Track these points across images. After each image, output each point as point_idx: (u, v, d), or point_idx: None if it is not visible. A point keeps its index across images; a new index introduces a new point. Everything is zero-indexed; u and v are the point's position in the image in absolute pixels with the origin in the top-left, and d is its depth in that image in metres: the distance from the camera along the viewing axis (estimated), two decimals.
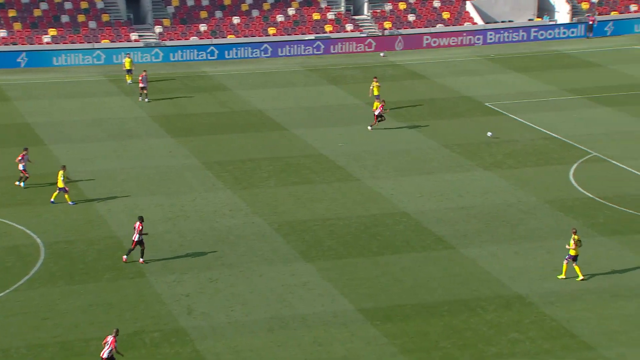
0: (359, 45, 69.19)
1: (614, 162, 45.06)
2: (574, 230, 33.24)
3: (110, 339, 27.32)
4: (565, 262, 33.11)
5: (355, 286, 33.31)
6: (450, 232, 37.60)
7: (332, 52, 68.60)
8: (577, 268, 32.95)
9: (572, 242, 32.84)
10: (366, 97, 55.82)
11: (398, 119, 52.84)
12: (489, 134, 43.70)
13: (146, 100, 55.80)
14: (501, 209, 39.86)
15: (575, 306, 31.38)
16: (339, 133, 50.52)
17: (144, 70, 56.95)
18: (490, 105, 54.80)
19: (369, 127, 49.92)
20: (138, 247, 34.85)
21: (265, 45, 67.57)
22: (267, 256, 35.73)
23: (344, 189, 42.72)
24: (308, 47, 68.34)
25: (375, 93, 53.66)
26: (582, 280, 32.82)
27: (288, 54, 67.95)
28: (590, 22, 71.15)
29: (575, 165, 44.80)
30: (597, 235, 36.80)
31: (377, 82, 54.06)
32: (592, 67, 63.00)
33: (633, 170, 43.74)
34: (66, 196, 40.42)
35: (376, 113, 49.68)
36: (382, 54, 68.17)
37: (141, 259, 34.93)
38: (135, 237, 34.66)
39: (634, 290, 32.18)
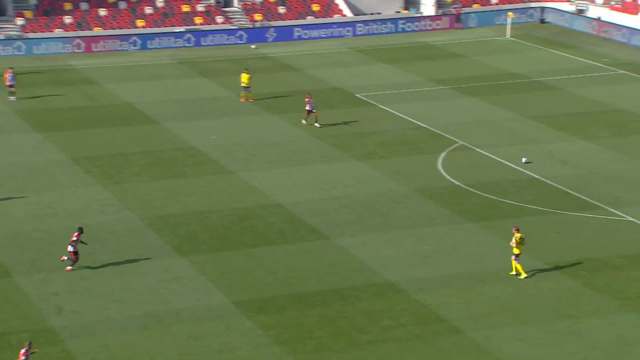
0: (230, 37, 68.94)
1: (479, 150, 46.48)
2: (516, 229, 32.74)
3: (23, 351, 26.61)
4: (513, 261, 32.69)
5: (229, 279, 33.28)
6: (324, 223, 38.00)
7: (203, 44, 68.11)
8: (518, 266, 32.59)
9: (514, 240, 32.50)
10: (238, 89, 55.69)
11: (271, 110, 52.95)
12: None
13: (13, 98, 53.75)
14: (373, 198, 40.56)
15: (443, 292, 32.25)
16: (211, 126, 50.27)
17: (10, 68, 54.92)
18: (360, 96, 55.60)
19: (317, 124, 48.84)
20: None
21: (134, 37, 66.49)
22: (140, 252, 35.26)
23: (217, 182, 42.56)
24: (178, 39, 67.63)
25: (244, 84, 53.66)
26: (525, 277, 32.49)
27: (158, 46, 67.06)
28: (457, 13, 73.07)
29: (443, 154, 45.98)
30: (464, 222, 37.91)
31: (247, 72, 54.02)
32: (457, 58, 64.73)
33: (496, 158, 45.23)
34: None
35: (307, 108, 48.79)
36: (253, 46, 68.14)
37: (69, 267, 33.76)
38: (70, 247, 33.44)
39: (498, 274, 33.32)
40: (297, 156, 45.86)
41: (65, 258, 33.71)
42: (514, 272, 33.03)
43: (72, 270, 33.44)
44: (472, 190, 41.32)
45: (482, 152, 46.24)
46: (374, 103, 54.43)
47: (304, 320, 30.59)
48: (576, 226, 37.24)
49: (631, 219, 37.99)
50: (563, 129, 49.34)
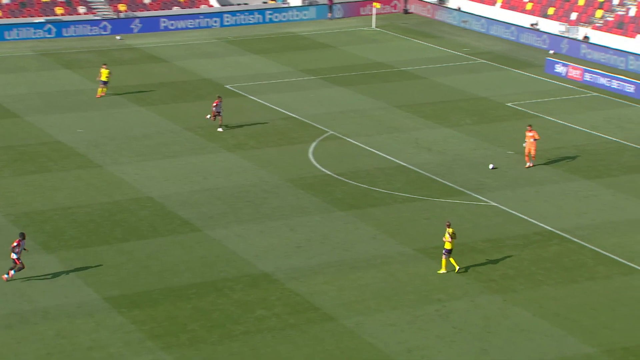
0: (93, 28, 67.45)
1: (348, 139, 47.13)
2: (448, 224, 32.58)
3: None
4: (443, 257, 32.58)
5: (100, 275, 32.68)
6: (196, 215, 37.77)
7: (65, 35, 66.41)
8: (452, 260, 32.66)
9: (447, 235, 32.35)
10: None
11: (139, 102, 52.15)
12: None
13: None
14: (245, 189, 40.57)
15: (317, 280, 32.62)
16: (77, 119, 49.11)
17: None
18: (230, 87, 55.43)
19: (219, 129, 46.96)
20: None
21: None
22: (4, 250, 34.15)
23: (85, 176, 41.64)
24: (38, 30, 65.73)
25: (103, 79, 52.34)
26: (459, 271, 32.55)
27: (16, 37, 64.99)
28: (329, 3, 73.69)
29: (313, 144, 46.40)
30: (336, 210, 38.42)
31: (106, 68, 52.74)
32: (325, 49, 65.35)
33: (365, 147, 45.99)
34: None
35: (213, 109, 46.69)
36: (118, 37, 66.89)
37: (5, 276, 32.07)
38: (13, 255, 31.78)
39: (369, 261, 33.95)
40: (167, 148, 45.37)
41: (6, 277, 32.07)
42: (443, 270, 32.63)
43: (8, 278, 31.94)
44: (342, 179, 41.90)
45: (352, 141, 46.92)
46: (244, 94, 54.37)
47: (178, 313, 30.37)
48: (443, 212, 38.30)
49: (494, 203, 39.37)
50: (428, 117, 50.58)
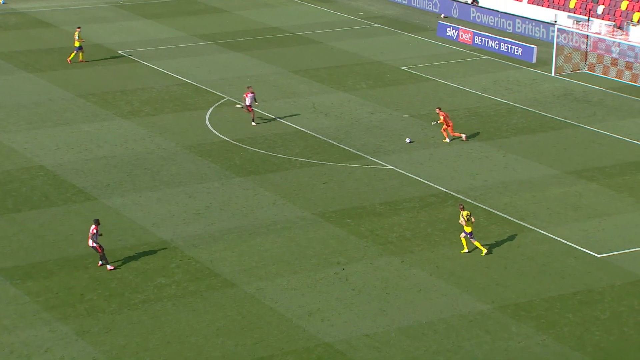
0: None
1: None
2: (461, 207, 31.82)
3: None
4: (462, 236, 31.86)
5: None
6: (92, 183, 37.03)
7: None
8: (477, 243, 31.84)
9: (461, 218, 31.58)
10: None
11: (27, 69, 50.60)
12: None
13: None
14: (142, 156, 39.95)
15: (217, 246, 32.50)
16: None
17: None
18: (123, 53, 54.31)
19: (253, 123, 43.54)
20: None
21: None
22: None
23: None
24: None
25: (77, 44, 50.50)
26: (486, 254, 31.81)
27: None
28: None
29: (210, 110, 45.98)
30: (235, 177, 38.26)
31: (79, 30, 51.13)
32: (219, 13, 64.63)
33: (263, 112, 45.81)
34: None
35: (247, 103, 43.25)
36: (2, 1, 64.60)
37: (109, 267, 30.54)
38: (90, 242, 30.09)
39: (269, 227, 33.99)
40: (58, 116, 44.24)
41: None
42: (466, 250, 32.02)
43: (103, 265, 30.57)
44: (241, 145, 41.70)
45: None
46: (137, 59, 53.36)
47: (74, 283, 29.83)
48: (342, 176, 38.60)
49: (390, 166, 39.88)
50: (324, 82, 50.73)
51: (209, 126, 43.91)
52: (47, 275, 30.28)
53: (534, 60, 54.83)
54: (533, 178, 38.67)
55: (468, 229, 31.90)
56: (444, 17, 64.82)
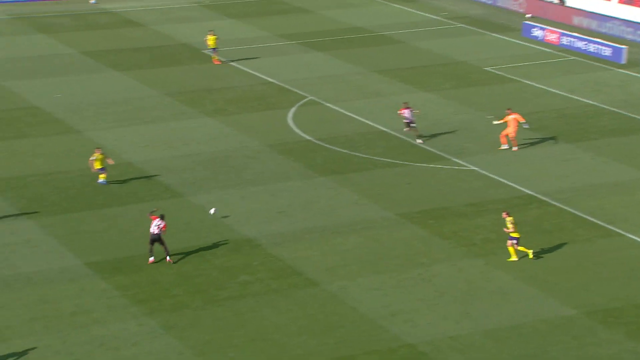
0: None
1: (328, 104, 47.07)
2: (506, 213, 31.33)
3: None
4: (509, 245, 31.14)
5: (82, 240, 32.60)
6: (178, 181, 37.68)
7: None
8: (522, 248, 31.29)
9: (509, 225, 30.99)
10: (80, 45, 54.11)
11: (116, 68, 51.73)
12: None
13: None
14: (226, 154, 40.48)
15: (299, 245, 32.72)
16: (54, 84, 48.68)
17: None
18: (208, 52, 55.04)
19: (418, 140, 41.20)
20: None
21: None
22: None
23: (65, 141, 41.38)
24: None
25: (211, 46, 51.45)
26: (532, 258, 31.30)
27: None
28: None
29: (293, 109, 46.31)
30: (316, 176, 38.45)
31: (213, 34, 51.80)
32: (303, 13, 64.98)
33: (345, 112, 45.96)
34: None
35: (405, 120, 41.07)
36: (92, 1, 66.15)
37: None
38: (156, 230, 30.79)
39: (351, 226, 34.07)
40: (146, 114, 45.12)
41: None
42: (514, 258, 31.24)
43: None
44: (323, 144, 41.89)
45: (331, 106, 46.87)
46: (221, 59, 54.00)
47: (161, 279, 30.39)
48: (424, 177, 38.45)
49: (474, 167, 39.56)
50: (407, 82, 50.59)
51: (292, 125, 44.23)
52: (135, 270, 30.93)
53: (624, 61, 53.71)
54: (622, 181, 37.92)
55: (516, 235, 31.14)
56: (530, 17, 63.97)
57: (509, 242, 31.43)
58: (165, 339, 27.08)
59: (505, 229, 31.46)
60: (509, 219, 31.35)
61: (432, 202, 36.17)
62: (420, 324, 27.99)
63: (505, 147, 41.10)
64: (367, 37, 59.12)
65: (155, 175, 38.07)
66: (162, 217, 31.20)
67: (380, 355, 26.45)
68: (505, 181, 38.11)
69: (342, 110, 46.11)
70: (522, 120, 41.08)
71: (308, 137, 42.68)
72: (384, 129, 43.75)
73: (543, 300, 29.25)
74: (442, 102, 47.67)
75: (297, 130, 43.55)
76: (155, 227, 31.00)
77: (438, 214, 35.08)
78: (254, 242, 32.86)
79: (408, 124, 41.53)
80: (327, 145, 41.69)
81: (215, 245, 32.60)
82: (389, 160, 39.99)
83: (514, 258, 31.55)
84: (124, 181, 37.45)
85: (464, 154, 40.96)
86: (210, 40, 51.91)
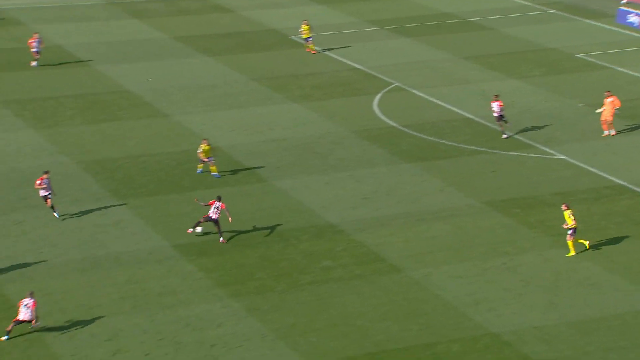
0: None
1: (414, 91, 46.75)
2: (566, 206, 30.63)
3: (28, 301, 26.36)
4: (569, 239, 30.41)
5: (169, 222, 33.16)
6: (263, 165, 37.97)
7: None
8: (580, 240, 30.73)
9: (568, 217, 30.31)
10: (172, 31, 54.95)
11: (206, 53, 52.35)
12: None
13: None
14: (311, 140, 40.60)
15: (383, 231, 32.64)
16: (145, 68, 49.53)
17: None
18: (295, 38, 55.22)
19: (504, 134, 39.92)
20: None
21: None
22: (76, 196, 34.86)
23: (154, 125, 42.10)
24: None
25: (305, 35, 51.13)
26: (588, 249, 30.70)
27: None
28: None
29: (379, 96, 46.14)
30: (401, 162, 38.27)
31: (307, 23, 51.43)
32: None
33: (431, 99, 45.58)
34: None
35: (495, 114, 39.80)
36: None
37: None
38: (214, 215, 31.58)
39: (436, 214, 33.82)
40: (233, 99, 45.56)
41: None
42: (573, 253, 30.46)
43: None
44: (408, 131, 41.65)
45: (417, 92, 46.53)
46: (318, 48, 54.08)
47: (245, 262, 30.71)
48: (511, 165, 37.89)
49: (562, 156, 38.80)
50: (495, 69, 49.86)
51: (377, 112, 44.09)
52: (220, 252, 31.32)
53: None
54: None
55: (574, 225, 30.12)
56: (626, 2, 62.24)
57: (568, 236, 30.26)
58: (249, 321, 27.37)
59: (564, 225, 30.37)
60: (568, 212, 30.28)
61: (518, 190, 35.62)
62: (505, 313, 27.64)
63: (607, 133, 40.32)
64: (456, 23, 58.46)
65: (241, 160, 38.44)
66: (219, 199, 31.68)
67: (462, 344, 26.23)
68: (595, 170, 37.28)
69: (428, 97, 45.74)
70: (618, 106, 40.24)
71: (393, 124, 42.48)
72: (471, 116, 43.25)
73: (634, 292, 28.55)
74: (532, 89, 46.85)
75: (382, 117, 43.39)
76: (214, 210, 31.43)
77: (524, 202, 34.54)
78: (338, 227, 32.91)
79: (500, 118, 40.08)
80: (413, 132, 41.43)
81: (299, 230, 32.76)
82: (475, 147, 39.52)
83: (572, 253, 30.51)
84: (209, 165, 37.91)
85: (553, 142, 40.20)
86: (305, 28, 51.62)
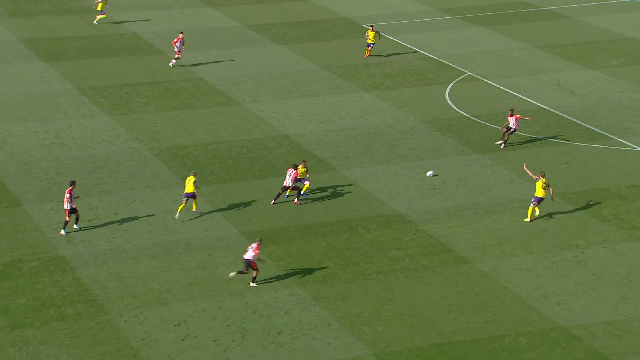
0: None
1: (487, 80, 46.23)
2: (542, 174, 31.91)
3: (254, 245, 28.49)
4: (532, 206, 31.75)
5: (238, 210, 33.47)
6: (332, 154, 38.03)
7: None
8: (533, 209, 31.93)
9: (540, 187, 31.52)
10: (245, 19, 55.33)
11: (277, 41, 52.57)
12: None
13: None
14: (380, 129, 40.50)
15: (451, 222, 32.41)
16: (218, 56, 49.97)
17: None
18: (367, 27, 55.05)
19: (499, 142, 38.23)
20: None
21: None
22: (148, 182, 35.43)
23: (225, 113, 42.50)
24: None
25: (370, 40, 48.77)
26: (529, 220, 31.88)
27: None
28: None
29: (450, 85, 45.75)
30: (472, 153, 37.91)
31: (373, 30, 49.29)
32: None
33: (504, 89, 45.01)
34: None
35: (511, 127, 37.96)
36: None
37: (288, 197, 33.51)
38: (289, 183, 33.11)
39: (506, 205, 33.44)
40: (304, 87, 45.69)
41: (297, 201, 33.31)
42: (528, 219, 31.86)
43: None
44: (479, 121, 41.22)
45: (490, 82, 46.00)
46: (382, 33, 53.89)
47: (313, 250, 30.84)
48: (584, 156, 37.23)
49: (639, 148, 37.95)
50: (571, 59, 48.98)
51: (449, 101, 43.72)
52: (288, 240, 31.51)
53: None
54: None
55: (542, 196, 31.22)
56: None
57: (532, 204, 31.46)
58: (316, 310, 27.49)
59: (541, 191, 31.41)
60: (541, 181, 31.45)
61: (591, 182, 34.98)
62: (574, 307, 27.22)
63: None
64: (531, 12, 57.56)
65: (311, 148, 38.56)
66: (294, 167, 32.91)
67: (530, 337, 25.93)
68: None
69: (501, 87, 45.18)
70: None
71: (465, 114, 42.09)
72: (544, 107, 42.59)
73: None
74: (608, 79, 45.90)
75: (453, 107, 43.03)
76: (288, 177, 32.75)
77: (597, 195, 33.92)
78: (406, 217, 32.80)
79: (511, 131, 37.89)
80: (484, 122, 40.98)
81: (367, 220, 32.75)
82: (548, 138, 38.91)
83: (528, 219, 31.69)
84: (281, 153, 38.12)
85: (629, 133, 39.35)
86: (370, 34, 50.13)
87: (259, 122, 41.39)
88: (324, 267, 29.84)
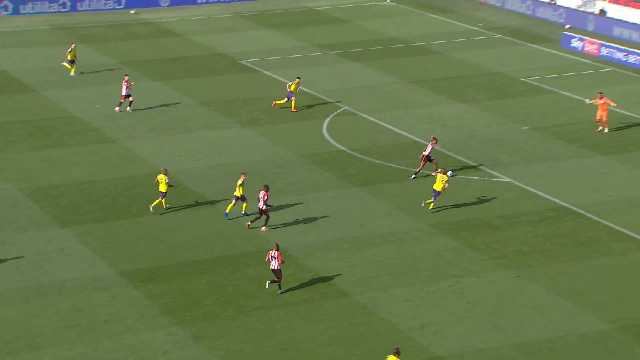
0: (107, 2, 67.47)
1: (363, 115, 47.06)
2: (442, 170, 36.13)
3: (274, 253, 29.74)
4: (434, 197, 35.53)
5: (115, 249, 32.90)
6: (211, 190, 37.89)
7: (80, 9, 66.48)
8: (431, 201, 35.77)
9: (439, 181, 35.32)
10: (119, 56, 54.75)
11: (154, 77, 52.20)
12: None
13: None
14: (259, 164, 40.62)
15: (331, 255, 32.72)
16: (92, 94, 49.22)
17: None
18: (245, 62, 55.35)
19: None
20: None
21: (5, 1, 64.37)
22: (20, 223, 34.46)
23: (101, 151, 41.81)
24: (53, 3, 65.83)
25: (293, 90, 46.72)
26: (427, 205, 35.72)
27: (31, 11, 65.10)
28: None
29: (327, 120, 46.36)
30: (349, 186, 38.44)
31: (299, 82, 47.40)
32: (339, 23, 65.07)
33: (380, 122, 45.91)
34: None
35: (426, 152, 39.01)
36: (132, 12, 66.85)
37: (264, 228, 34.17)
38: (261, 205, 33.67)
39: (382, 237, 34.00)
40: (181, 123, 45.45)
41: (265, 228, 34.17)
42: (432, 207, 35.83)
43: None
44: (356, 154, 41.89)
45: (366, 116, 46.84)
46: (258, 69, 54.28)
47: (192, 288, 30.56)
48: (457, 187, 38.25)
49: (508, 179, 39.29)
50: (443, 93, 50.41)
51: (326, 135, 44.27)
52: (166, 279, 31.14)
53: None
54: None
55: (438, 188, 35.11)
56: (569, 27, 63.44)
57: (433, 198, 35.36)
58: (195, 349, 27.20)
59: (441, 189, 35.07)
60: (443, 176, 35.18)
61: (464, 213, 35.97)
62: (450, 337, 27.82)
63: (600, 130, 43.60)
64: (403, 48, 59.04)
65: (189, 185, 38.31)
66: (266, 189, 33.94)
67: None
68: (540, 193, 37.80)
69: (376, 121, 46.07)
70: (612, 104, 44.22)
71: (342, 148, 42.69)
72: (418, 140, 43.63)
73: (576, 314, 28.92)
74: (477, 113, 47.43)
75: (331, 141, 43.59)
76: (261, 201, 33.88)
77: (470, 225, 34.88)
78: (286, 252, 32.90)
79: (429, 159, 38.65)
80: (361, 156, 41.67)
81: (247, 255, 32.71)
82: (423, 171, 39.80)
83: (432, 206, 35.74)
84: (157, 191, 37.68)
85: (498, 165, 40.71)
86: (293, 86, 49.09)
87: (135, 159, 40.90)
88: (204, 305, 29.61)
